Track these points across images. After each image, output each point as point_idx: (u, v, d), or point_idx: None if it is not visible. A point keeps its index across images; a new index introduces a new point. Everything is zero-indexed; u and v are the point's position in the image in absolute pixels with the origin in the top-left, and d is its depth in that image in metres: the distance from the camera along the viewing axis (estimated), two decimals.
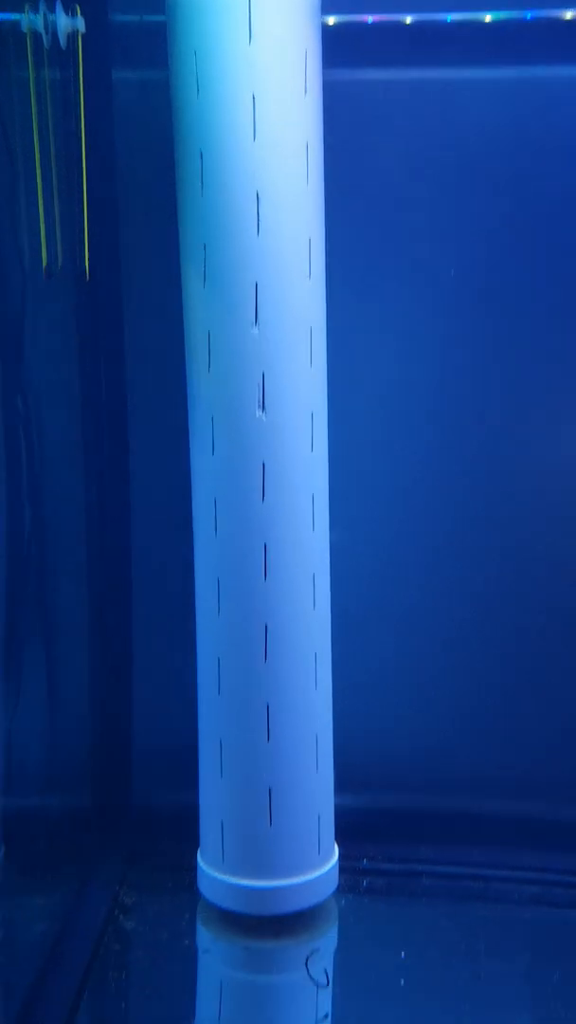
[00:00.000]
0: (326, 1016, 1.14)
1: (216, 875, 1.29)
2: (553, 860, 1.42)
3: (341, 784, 1.33)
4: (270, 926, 1.26)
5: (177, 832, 1.38)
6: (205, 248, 1.21)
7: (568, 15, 1.38)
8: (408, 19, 1.40)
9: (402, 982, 1.19)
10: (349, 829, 1.36)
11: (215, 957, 1.25)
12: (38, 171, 1.22)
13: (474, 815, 1.47)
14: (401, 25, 1.39)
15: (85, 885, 1.39)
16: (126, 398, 1.46)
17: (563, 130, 1.37)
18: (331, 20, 1.39)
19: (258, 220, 1.19)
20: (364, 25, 1.39)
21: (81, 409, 1.43)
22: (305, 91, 1.21)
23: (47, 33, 1.21)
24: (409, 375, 1.44)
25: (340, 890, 1.34)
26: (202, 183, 1.20)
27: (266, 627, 1.25)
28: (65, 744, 1.46)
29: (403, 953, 1.24)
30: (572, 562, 1.45)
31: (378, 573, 1.47)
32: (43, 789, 1.38)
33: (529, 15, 1.39)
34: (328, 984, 1.18)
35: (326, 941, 1.27)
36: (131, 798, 1.52)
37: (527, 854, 1.43)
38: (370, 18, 1.41)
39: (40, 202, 1.22)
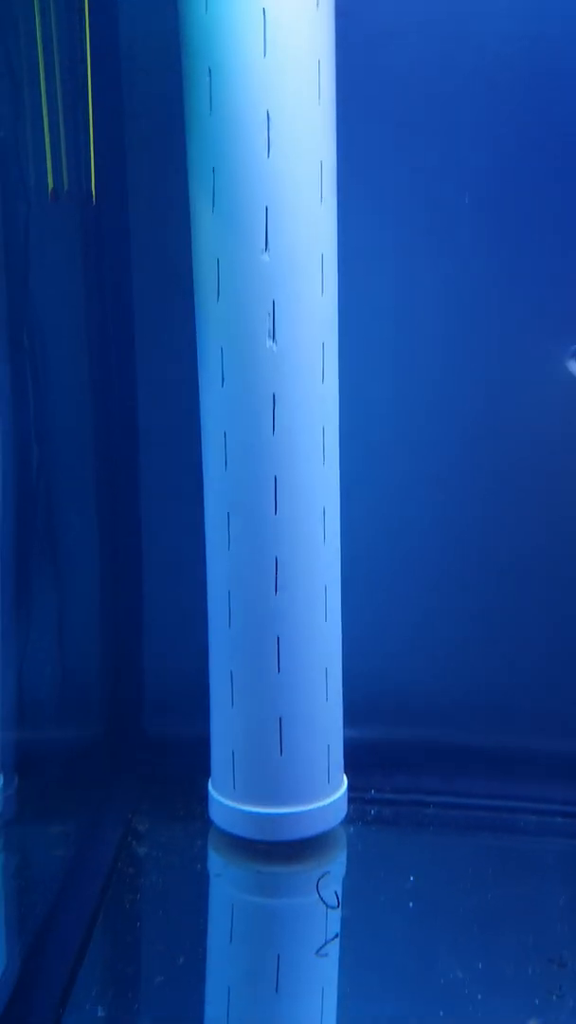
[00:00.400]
0: (336, 936, 1.17)
1: (227, 802, 1.31)
2: (555, 791, 1.44)
3: (349, 717, 1.34)
4: (281, 852, 1.29)
5: (188, 762, 1.40)
6: (214, 171, 1.18)
7: None
8: None
9: (411, 905, 1.22)
10: (357, 761, 1.37)
11: (226, 881, 1.28)
12: (43, 90, 1.18)
13: (479, 748, 1.49)
14: None
15: (98, 813, 1.41)
16: (133, 327, 1.43)
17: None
18: None
19: (268, 141, 1.15)
20: None
21: (87, 337, 1.41)
22: (317, 5, 1.17)
23: None
24: (421, 302, 1.41)
25: (349, 819, 1.36)
26: (211, 102, 1.16)
27: (276, 560, 1.24)
28: (77, 674, 1.48)
29: (412, 877, 1.27)
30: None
31: (388, 507, 1.46)
32: (56, 719, 1.40)
33: None
34: (338, 906, 1.21)
35: (336, 866, 1.29)
36: (143, 728, 1.54)
37: (531, 785, 1.45)
38: None
39: (45, 122, 1.18)
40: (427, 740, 1.50)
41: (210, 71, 1.16)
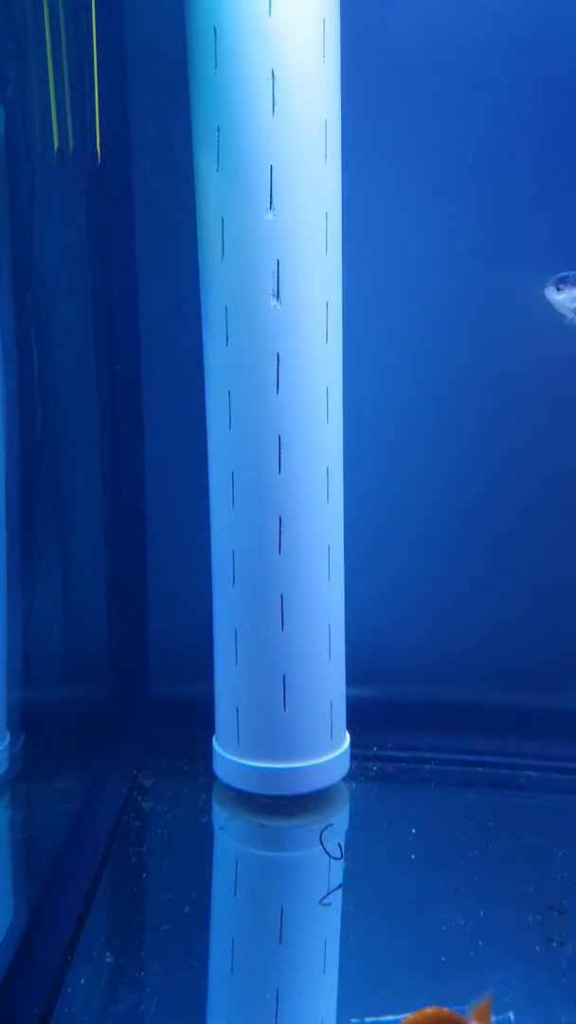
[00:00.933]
0: (339, 887, 1.19)
1: (231, 758, 1.33)
2: (554, 747, 1.46)
3: (352, 675, 1.36)
4: (284, 806, 1.31)
5: (193, 720, 1.42)
6: (219, 130, 1.18)
7: None
8: None
9: (413, 856, 1.24)
10: (360, 718, 1.40)
11: (231, 834, 1.30)
12: (49, 54, 1.19)
13: (479, 705, 1.51)
14: None
15: (104, 769, 1.43)
16: (137, 285, 1.44)
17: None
18: None
19: (273, 99, 1.16)
20: None
21: (91, 295, 1.42)
22: None
23: None
24: (424, 261, 1.42)
25: (351, 775, 1.39)
26: (215, 61, 1.17)
27: (280, 519, 1.26)
28: (82, 634, 1.49)
29: (413, 830, 1.29)
30: None
31: (391, 467, 1.48)
32: (61, 678, 1.42)
33: None
34: (341, 857, 1.23)
35: (339, 820, 1.32)
36: (148, 687, 1.56)
37: (530, 742, 1.47)
38: None
39: (51, 84, 1.19)
40: (427, 698, 1.52)
41: (215, 30, 1.16)
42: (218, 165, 1.20)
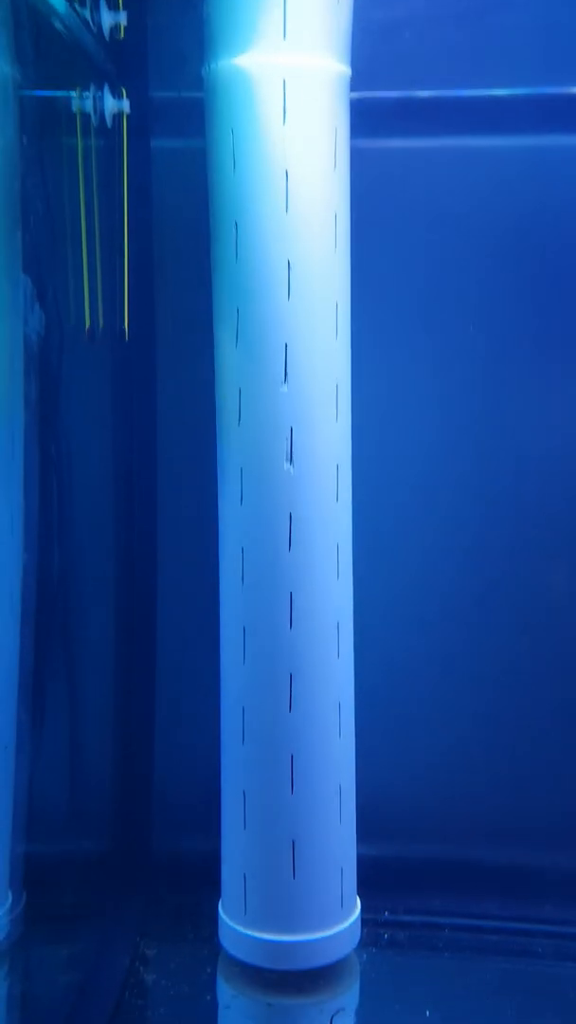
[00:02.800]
0: None
1: (238, 928, 1.28)
2: (572, 913, 1.41)
3: (362, 834, 1.33)
4: (292, 981, 1.25)
5: (198, 880, 1.38)
6: (238, 311, 1.27)
7: None
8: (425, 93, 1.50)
9: None
10: (369, 880, 1.35)
11: (236, 1013, 1.24)
12: (83, 237, 1.29)
13: (493, 866, 1.46)
14: (418, 100, 1.48)
15: (105, 935, 1.38)
16: (157, 449, 1.50)
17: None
18: (354, 95, 1.48)
19: (289, 286, 1.25)
20: (385, 99, 1.48)
21: (113, 463, 1.48)
22: (335, 166, 1.28)
23: (95, 113, 1.29)
24: (430, 427, 1.48)
25: (362, 943, 1.33)
26: (236, 251, 1.26)
27: (291, 676, 1.26)
28: (87, 791, 1.47)
29: (428, 1012, 1.22)
30: None
31: (402, 623, 1.49)
32: (65, 837, 1.38)
33: (539, 90, 1.48)
34: None
35: (349, 998, 1.25)
36: (153, 846, 1.52)
37: (549, 906, 1.42)
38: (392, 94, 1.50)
39: (85, 266, 1.28)
40: (441, 859, 1.48)
41: (236, 224, 1.26)
42: (237, 342, 1.27)
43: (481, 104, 1.45)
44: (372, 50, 1.37)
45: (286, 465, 1.27)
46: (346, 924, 1.29)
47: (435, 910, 1.42)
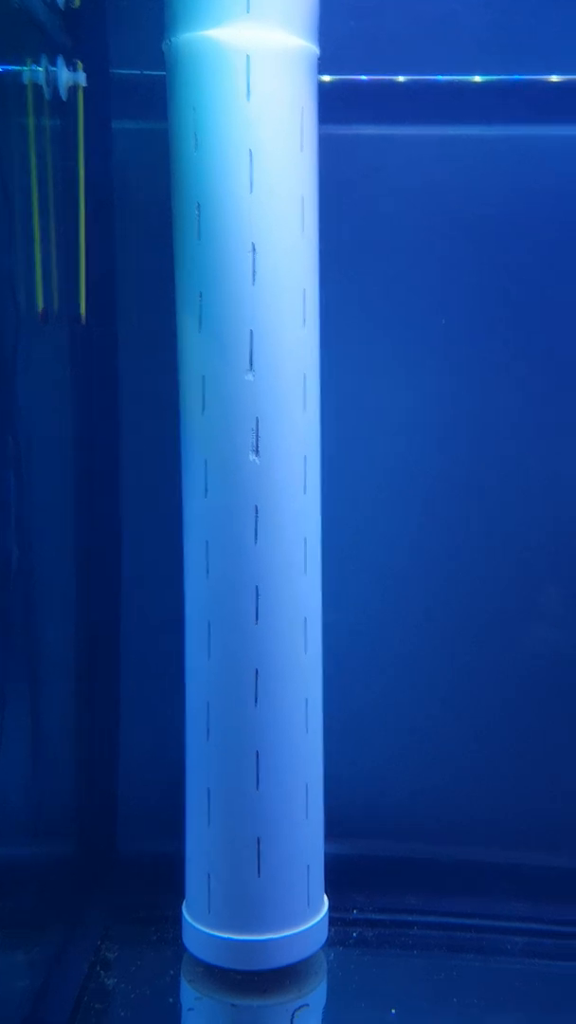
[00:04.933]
0: None
1: (202, 928, 1.25)
2: (544, 910, 1.40)
3: (330, 831, 1.31)
4: (257, 982, 1.23)
5: (161, 882, 1.35)
6: (201, 296, 1.23)
7: (554, 78, 1.45)
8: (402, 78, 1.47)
9: None
10: (338, 878, 1.33)
11: (200, 1015, 1.21)
12: (35, 217, 1.24)
13: (464, 864, 1.45)
14: (395, 84, 1.45)
15: (66, 939, 1.34)
16: (119, 440, 1.46)
17: (545, 188, 1.42)
18: (327, 78, 1.44)
19: (254, 270, 1.21)
20: (360, 83, 1.45)
21: (74, 453, 1.43)
22: (301, 147, 1.24)
23: (48, 86, 1.23)
24: (399, 418, 1.46)
25: (330, 942, 1.31)
26: (199, 233, 1.22)
27: (257, 671, 1.23)
28: (48, 790, 1.43)
29: (393, 1010, 1.21)
30: (571, 609, 1.46)
31: (370, 618, 1.47)
32: (26, 839, 1.34)
33: (517, 77, 1.46)
34: None
35: (315, 997, 1.23)
36: (115, 847, 1.49)
37: (518, 903, 1.41)
38: (365, 77, 1.47)
39: (37, 247, 1.23)
40: (411, 857, 1.46)
41: (199, 205, 1.21)
42: (200, 328, 1.23)
43: (458, 90, 1.42)
44: (349, 32, 1.33)
45: (252, 456, 1.23)
46: (312, 923, 1.27)
47: (405, 908, 1.41)
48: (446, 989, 1.25)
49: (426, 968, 1.31)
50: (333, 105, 1.34)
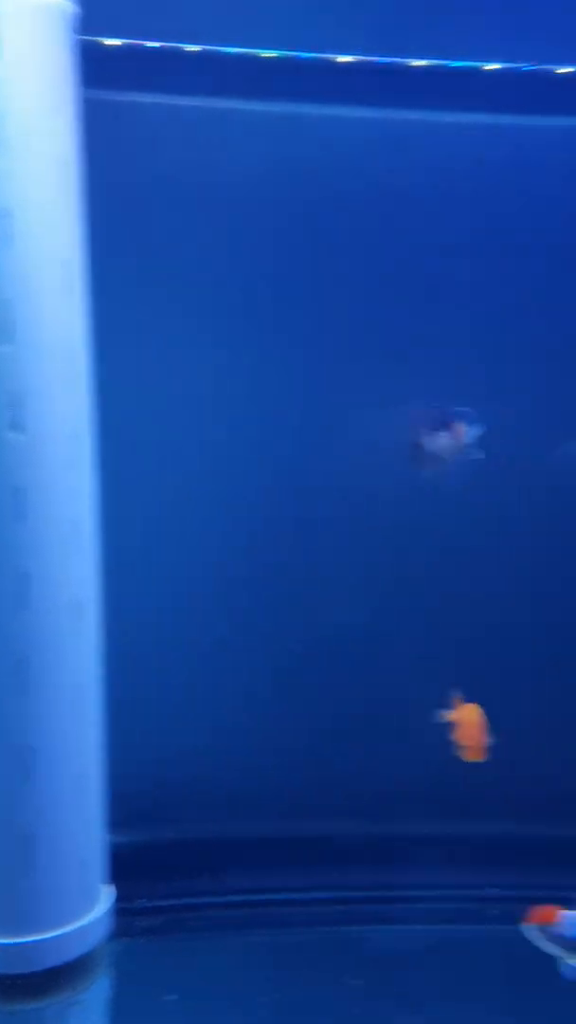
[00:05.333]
0: None
1: None
2: (330, 877, 1.41)
3: (113, 821, 1.26)
4: (31, 985, 1.16)
5: None
6: None
7: (340, 58, 1.46)
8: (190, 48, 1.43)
9: None
10: (126, 868, 1.29)
11: None
12: None
13: (248, 840, 1.44)
14: (181, 53, 1.42)
15: None
16: None
17: (306, 158, 1.42)
18: (113, 42, 1.39)
19: (12, 235, 1.14)
20: (145, 49, 1.40)
21: None
22: (59, 109, 1.19)
23: None
24: (176, 390, 1.43)
25: (115, 934, 1.27)
26: None
27: (25, 660, 1.17)
28: None
29: (175, 996, 1.19)
30: (363, 585, 1.48)
31: (161, 599, 1.43)
32: None
33: (303, 55, 1.46)
34: None
35: (92, 992, 1.19)
36: None
37: (316, 873, 1.42)
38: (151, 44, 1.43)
39: None
40: (196, 838, 1.44)
41: None
42: None
43: (247, 64, 1.41)
44: None
45: (11, 433, 1.17)
46: (90, 918, 1.22)
47: (194, 891, 1.39)
48: (230, 968, 1.25)
49: (213, 949, 1.29)
50: (118, 70, 1.30)
